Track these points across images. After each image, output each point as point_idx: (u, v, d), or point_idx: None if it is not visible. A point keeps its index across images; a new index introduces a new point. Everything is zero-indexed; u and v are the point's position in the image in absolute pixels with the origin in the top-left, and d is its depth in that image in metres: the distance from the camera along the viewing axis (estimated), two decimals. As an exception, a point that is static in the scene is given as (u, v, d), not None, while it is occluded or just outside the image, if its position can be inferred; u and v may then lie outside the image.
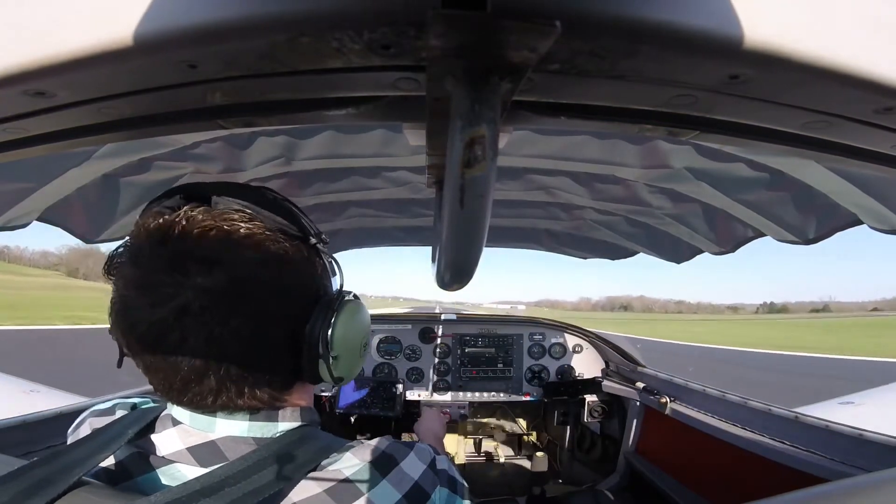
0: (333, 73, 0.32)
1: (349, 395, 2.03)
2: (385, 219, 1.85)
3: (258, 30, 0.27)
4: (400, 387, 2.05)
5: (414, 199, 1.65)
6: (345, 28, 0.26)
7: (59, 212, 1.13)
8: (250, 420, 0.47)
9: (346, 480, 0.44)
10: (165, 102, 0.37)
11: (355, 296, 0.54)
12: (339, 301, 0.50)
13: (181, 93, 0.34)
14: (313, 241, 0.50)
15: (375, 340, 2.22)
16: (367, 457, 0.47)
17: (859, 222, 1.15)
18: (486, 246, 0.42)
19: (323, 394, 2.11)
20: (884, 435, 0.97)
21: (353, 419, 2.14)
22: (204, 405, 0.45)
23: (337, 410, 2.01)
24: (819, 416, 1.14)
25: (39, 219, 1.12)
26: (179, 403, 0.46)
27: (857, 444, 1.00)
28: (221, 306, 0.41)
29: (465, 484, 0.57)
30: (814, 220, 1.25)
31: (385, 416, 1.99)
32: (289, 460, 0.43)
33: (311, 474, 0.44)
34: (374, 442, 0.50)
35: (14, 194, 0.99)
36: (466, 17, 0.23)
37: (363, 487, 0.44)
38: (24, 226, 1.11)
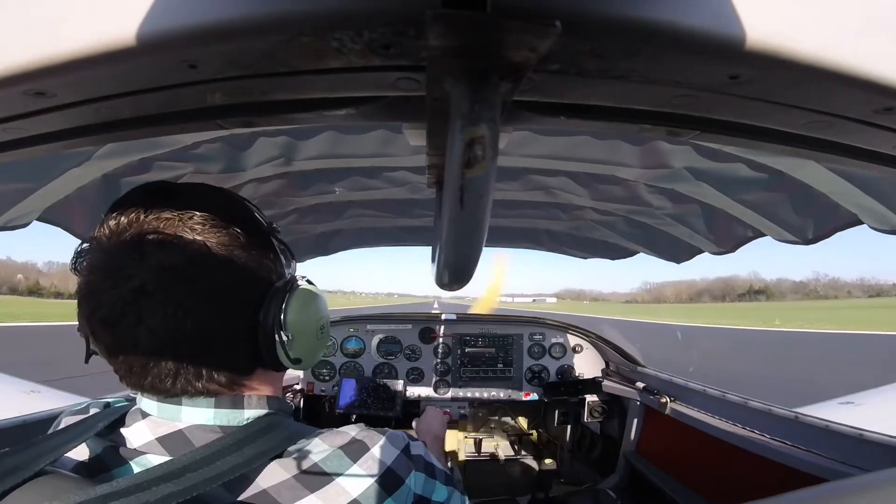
0: (333, 73, 0.32)
1: (349, 394, 2.03)
2: (385, 219, 1.85)
3: (258, 30, 0.27)
4: (400, 387, 2.05)
5: (414, 199, 1.65)
6: (345, 28, 0.26)
7: (59, 212, 1.13)
8: (215, 407, 0.48)
9: (315, 465, 0.45)
10: (165, 102, 0.37)
11: (309, 281, 0.57)
12: (290, 285, 0.52)
13: (181, 93, 0.34)
14: (265, 231, 0.53)
15: (375, 340, 2.22)
16: (337, 442, 0.48)
17: (859, 222, 1.15)
18: (486, 246, 0.42)
19: (323, 394, 2.11)
20: (884, 435, 0.97)
21: (353, 419, 2.14)
22: (164, 389, 0.46)
23: (337, 410, 2.01)
24: (819, 416, 1.14)
25: (39, 219, 1.12)
26: (141, 388, 0.47)
27: (857, 444, 1.00)
28: (176, 286, 0.44)
29: (446, 471, 0.58)
30: (814, 220, 1.25)
31: (385, 416, 1.99)
32: (254, 447, 0.44)
33: (280, 459, 0.45)
34: (345, 429, 0.51)
35: (14, 194, 0.99)
36: (466, 17, 0.23)
37: (333, 472, 0.45)
38: (24, 226, 1.11)
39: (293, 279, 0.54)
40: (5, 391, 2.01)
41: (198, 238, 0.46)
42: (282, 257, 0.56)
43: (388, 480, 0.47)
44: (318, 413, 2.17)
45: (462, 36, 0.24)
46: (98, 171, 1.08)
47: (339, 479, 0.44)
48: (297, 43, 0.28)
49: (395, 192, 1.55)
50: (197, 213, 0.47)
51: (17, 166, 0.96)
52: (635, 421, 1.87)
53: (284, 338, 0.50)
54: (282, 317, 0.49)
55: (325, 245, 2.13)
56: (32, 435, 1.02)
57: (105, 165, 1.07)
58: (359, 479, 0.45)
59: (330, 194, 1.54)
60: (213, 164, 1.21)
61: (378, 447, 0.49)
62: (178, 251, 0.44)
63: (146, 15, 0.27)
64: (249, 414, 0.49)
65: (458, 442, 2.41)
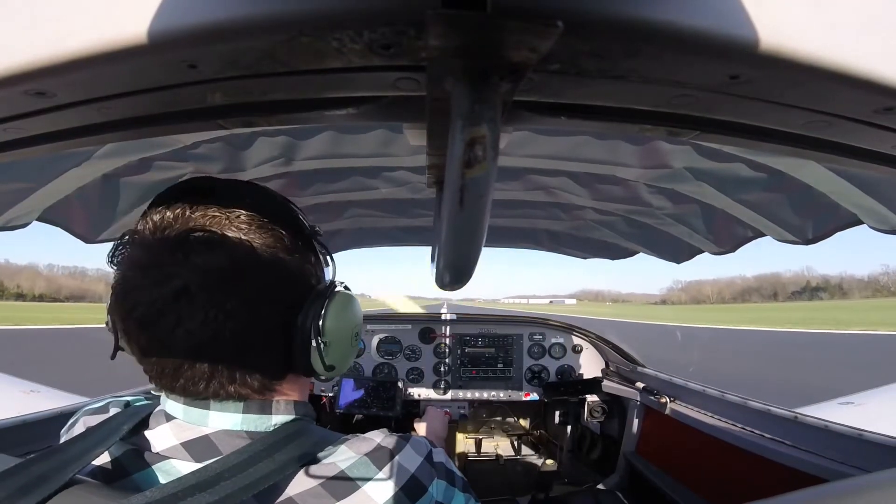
0: (333, 73, 0.32)
1: (349, 394, 2.03)
2: (385, 219, 1.85)
3: (258, 30, 0.27)
4: (400, 386, 2.05)
5: (414, 199, 1.65)
6: (345, 28, 0.26)
7: (59, 212, 1.13)
8: (243, 413, 0.47)
9: (342, 473, 0.44)
10: (165, 102, 0.37)
11: (347, 287, 0.55)
12: (330, 291, 0.51)
13: (181, 93, 0.34)
14: (308, 233, 0.53)
15: (375, 340, 2.22)
16: (363, 449, 0.47)
17: (859, 222, 1.15)
18: (486, 246, 0.42)
19: (323, 394, 2.11)
20: (884, 435, 0.97)
21: (353, 419, 2.14)
22: (195, 392, 0.45)
23: (337, 410, 2.01)
24: (819, 416, 1.14)
25: (39, 219, 1.12)
26: (171, 390, 0.46)
27: (857, 444, 1.00)
28: (219, 288, 0.43)
29: (464, 477, 0.58)
30: (813, 221, 1.25)
31: (385, 416, 1.99)
32: (284, 454, 0.44)
33: (306, 468, 0.44)
34: (370, 435, 0.50)
35: (14, 194, 0.99)
36: (466, 17, 0.23)
37: (358, 480, 0.44)
38: (24, 226, 1.11)
39: (333, 284, 0.53)
40: (5, 391, 2.01)
41: (244, 238, 0.45)
42: (322, 260, 0.55)
43: (412, 488, 0.47)
44: (318, 413, 2.17)
45: (462, 36, 0.24)
46: (98, 171, 1.08)
47: (364, 487, 0.44)
48: (297, 43, 0.28)
49: (395, 192, 1.55)
50: (243, 212, 0.46)
51: (17, 166, 0.95)
52: (635, 421, 1.87)
53: (321, 343, 0.48)
54: (320, 322, 0.48)
55: (325, 245, 2.13)
56: (32, 435, 1.03)
57: (105, 165, 1.07)
58: (383, 487, 0.45)
59: (330, 194, 1.54)
60: (213, 164, 1.21)
61: (402, 454, 0.48)
62: (223, 252, 0.43)
63: (146, 15, 0.27)
64: (277, 419, 0.48)
65: (457, 442, 2.41)
